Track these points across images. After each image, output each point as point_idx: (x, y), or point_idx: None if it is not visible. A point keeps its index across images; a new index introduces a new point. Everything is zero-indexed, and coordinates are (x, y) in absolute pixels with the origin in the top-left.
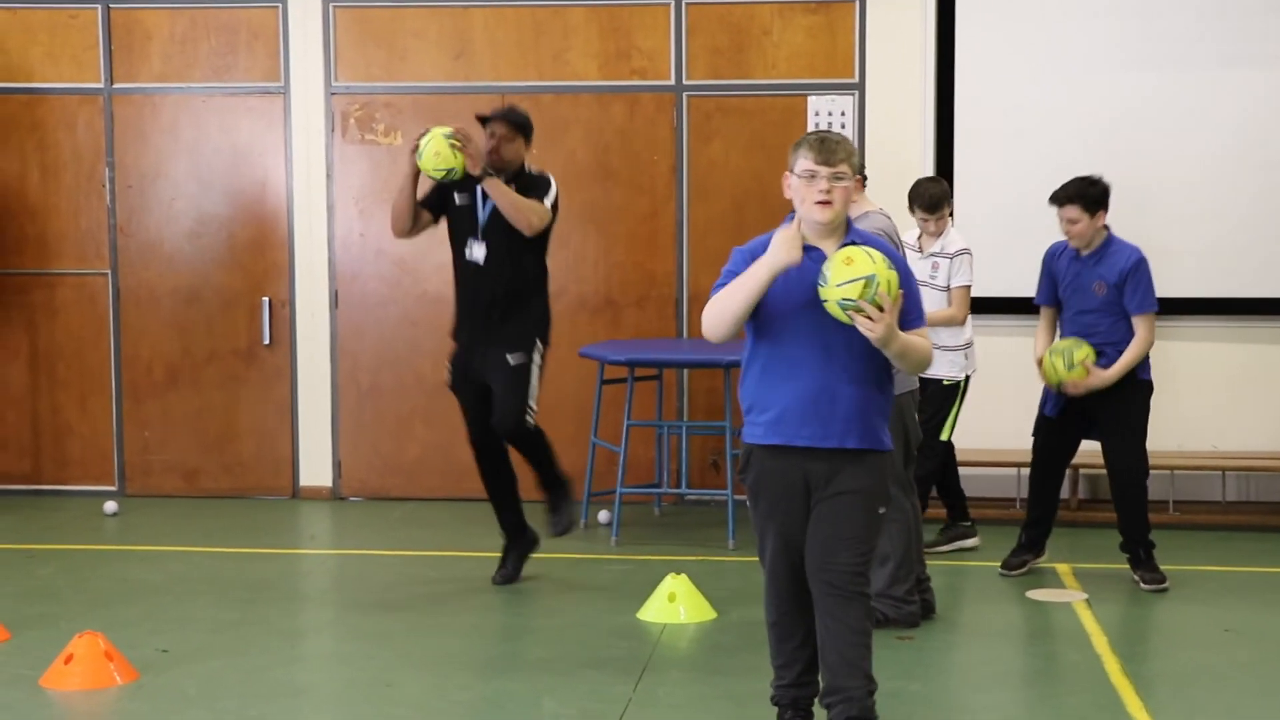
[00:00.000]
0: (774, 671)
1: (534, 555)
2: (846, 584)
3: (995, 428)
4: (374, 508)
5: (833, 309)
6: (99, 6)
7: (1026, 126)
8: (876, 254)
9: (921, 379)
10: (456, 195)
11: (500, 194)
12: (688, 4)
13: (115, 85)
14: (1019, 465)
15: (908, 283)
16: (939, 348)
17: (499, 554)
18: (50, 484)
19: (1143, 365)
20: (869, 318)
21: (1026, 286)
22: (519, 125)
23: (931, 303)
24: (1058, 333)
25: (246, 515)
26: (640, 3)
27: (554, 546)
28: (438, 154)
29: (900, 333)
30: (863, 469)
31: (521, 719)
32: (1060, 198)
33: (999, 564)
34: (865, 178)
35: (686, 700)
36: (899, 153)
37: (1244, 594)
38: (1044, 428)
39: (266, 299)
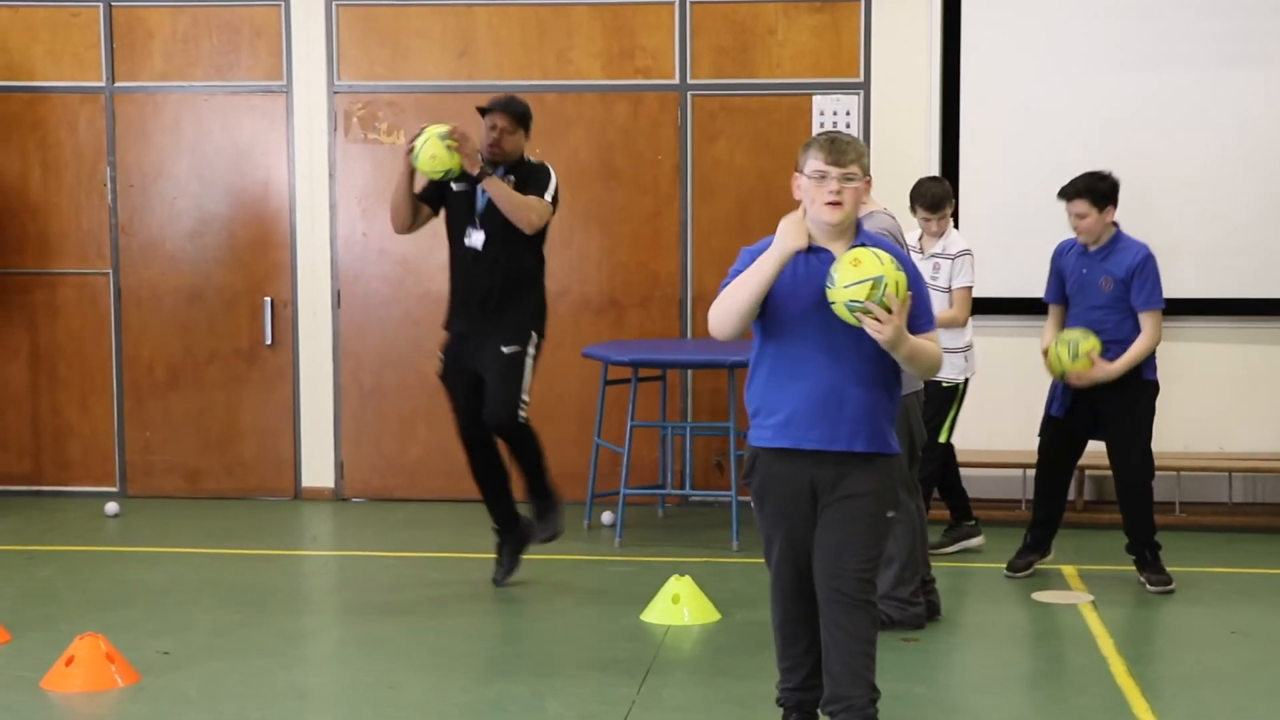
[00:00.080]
0: (779, 673)
1: (536, 556)
2: (853, 591)
3: (999, 428)
4: (376, 509)
5: (840, 311)
6: (100, 5)
7: (1031, 126)
8: (885, 255)
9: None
10: (454, 183)
11: (500, 193)
12: (692, 3)
13: (117, 84)
14: (1024, 466)
15: (917, 285)
16: None
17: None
18: (51, 485)
19: (1148, 365)
20: (877, 320)
21: (1031, 286)
22: (519, 117)
23: (932, 304)
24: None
25: (248, 516)
26: (644, 1)
27: (556, 548)
28: (434, 156)
29: (909, 335)
30: (870, 472)
31: None
32: (1069, 192)
33: (1004, 565)
34: (869, 178)
35: (690, 702)
36: (904, 152)
37: (1250, 595)
38: (1050, 428)
39: (268, 299)
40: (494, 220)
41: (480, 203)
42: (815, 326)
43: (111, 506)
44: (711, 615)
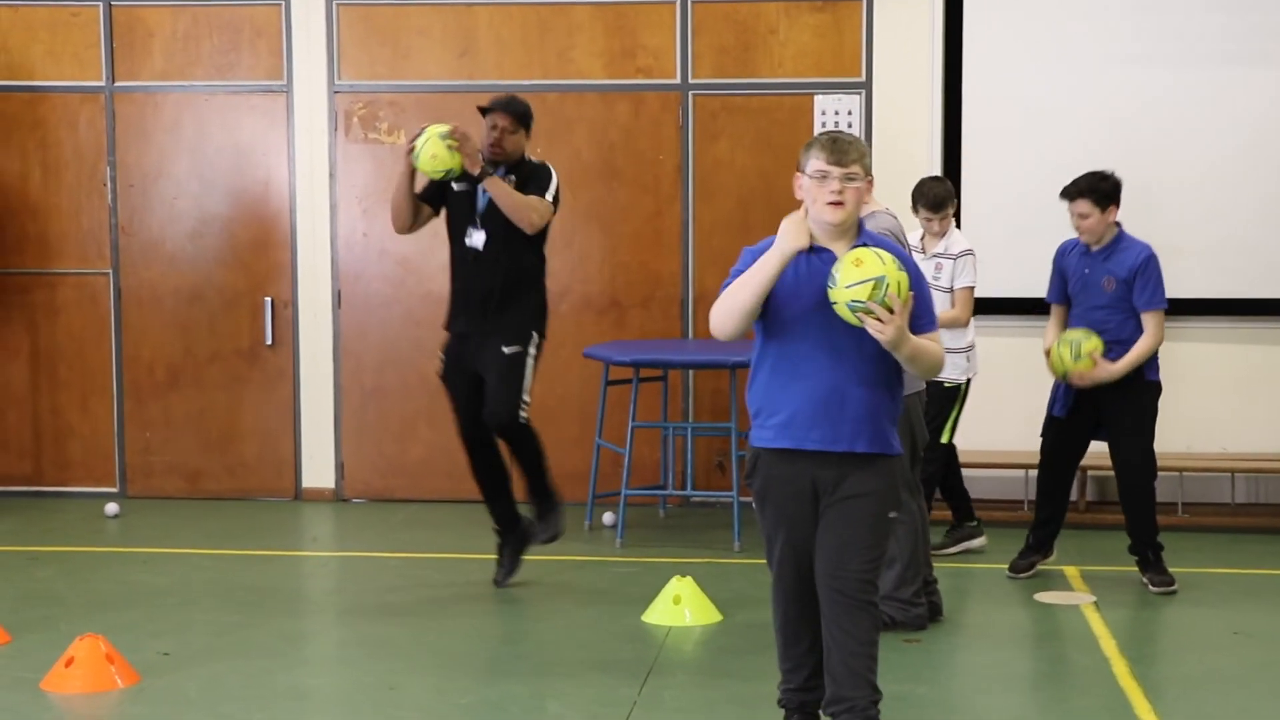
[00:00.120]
0: (781, 674)
1: (538, 557)
2: (855, 592)
3: (1001, 429)
4: (377, 509)
5: (842, 311)
6: (100, 4)
7: (1033, 125)
8: (886, 255)
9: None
10: (454, 183)
11: (501, 193)
12: (693, 2)
13: (117, 83)
14: (1026, 467)
15: (919, 286)
16: None
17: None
18: (51, 485)
19: (1151, 366)
20: (879, 320)
21: (1033, 286)
22: (521, 117)
23: (935, 304)
24: None
25: (249, 517)
26: (645, 1)
27: (558, 549)
28: (434, 156)
29: (911, 336)
30: (872, 473)
31: None
32: (1071, 192)
33: (1006, 566)
34: (871, 178)
35: (692, 703)
36: (906, 152)
37: (1253, 596)
38: (1052, 428)
39: (269, 299)
40: (495, 220)
41: (481, 202)
42: (817, 327)
43: (112, 507)
44: (713, 616)
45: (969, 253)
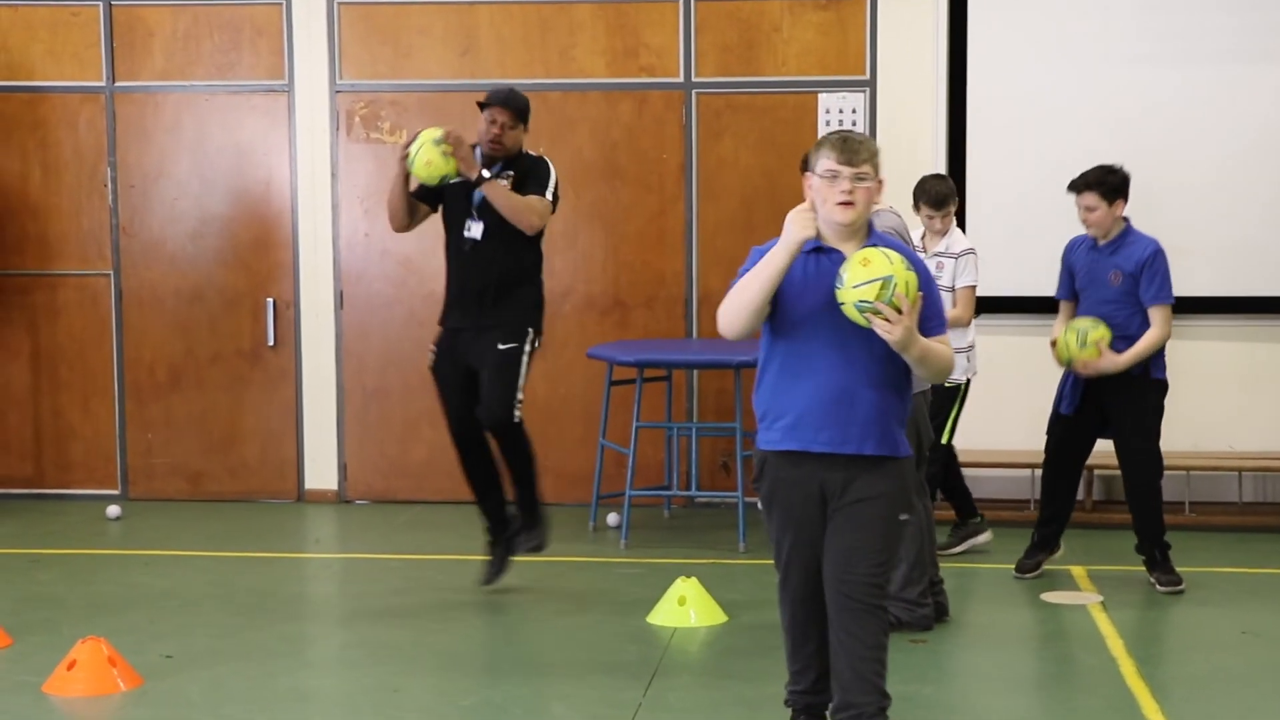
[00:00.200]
0: (789, 675)
1: (540, 558)
2: (864, 596)
3: (1005, 428)
4: (380, 511)
5: (850, 311)
6: (100, 4)
7: (1038, 123)
8: (895, 255)
9: None
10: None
11: (499, 197)
12: (696, 0)
13: (117, 83)
14: (1031, 466)
15: (928, 287)
16: None
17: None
18: (52, 488)
19: (1157, 364)
20: (886, 320)
21: (1037, 285)
22: (520, 112)
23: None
24: None
25: (251, 519)
26: None
27: (561, 550)
28: (429, 163)
29: (920, 337)
30: (881, 475)
31: None
32: (1078, 185)
33: (1012, 566)
34: (882, 179)
35: (697, 705)
36: (910, 150)
37: (1261, 595)
38: (1058, 425)
39: (271, 299)
40: (493, 211)
41: (478, 194)
42: (825, 327)
43: (113, 509)
44: (718, 617)
45: (970, 251)
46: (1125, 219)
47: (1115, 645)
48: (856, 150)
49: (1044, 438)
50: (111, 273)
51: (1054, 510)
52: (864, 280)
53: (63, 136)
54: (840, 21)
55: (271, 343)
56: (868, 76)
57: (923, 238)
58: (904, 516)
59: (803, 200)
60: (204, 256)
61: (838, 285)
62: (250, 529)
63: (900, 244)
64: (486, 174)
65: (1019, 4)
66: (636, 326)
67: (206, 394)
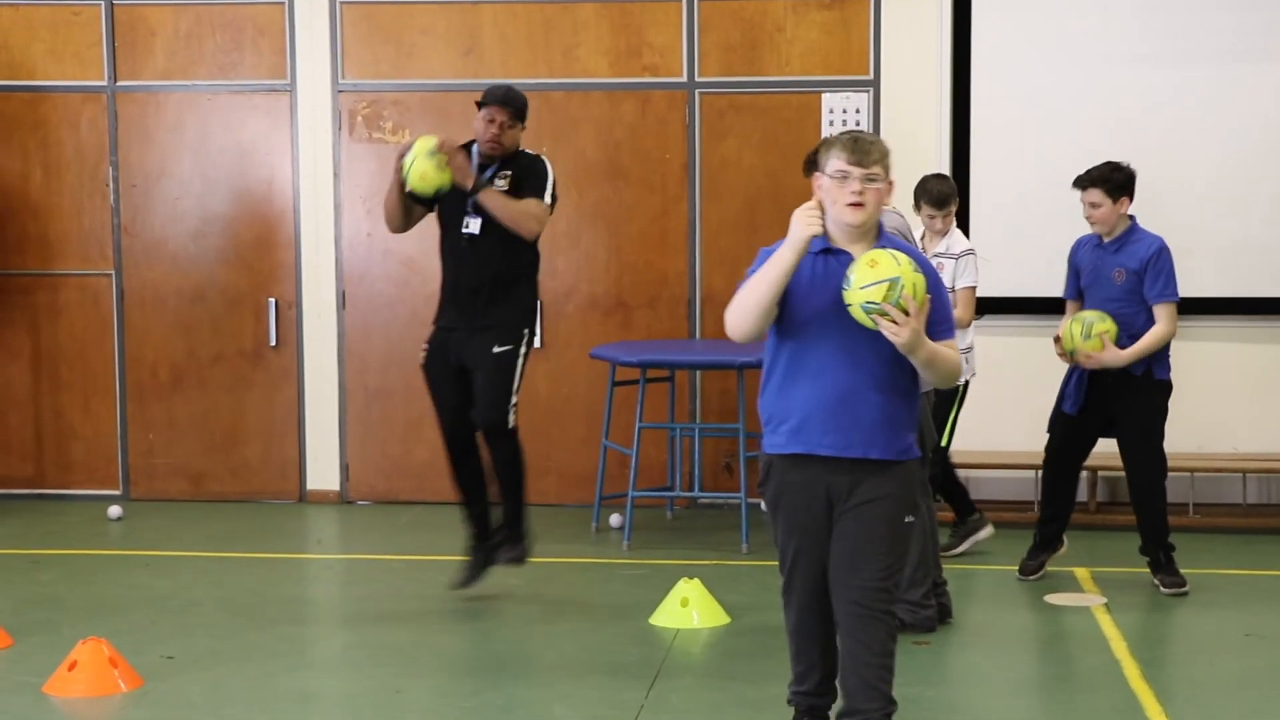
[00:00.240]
0: (793, 675)
1: (543, 559)
2: (871, 601)
3: (1007, 430)
4: (382, 511)
5: (856, 313)
6: (102, 3)
7: (1043, 123)
8: (903, 257)
9: None
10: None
11: (496, 205)
12: (700, 0)
13: (119, 83)
14: (1034, 467)
15: (937, 290)
16: None
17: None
18: (53, 488)
19: (1161, 365)
20: (893, 322)
21: (1041, 285)
22: (519, 111)
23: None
24: None
25: (253, 519)
26: None
27: (564, 551)
28: (423, 175)
29: (927, 340)
30: (887, 477)
31: None
32: (1084, 181)
33: (1016, 568)
34: (892, 180)
35: (699, 706)
36: (914, 151)
37: (1266, 598)
38: (1060, 424)
39: (273, 299)
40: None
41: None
42: (832, 329)
43: (114, 510)
44: (721, 619)
45: (970, 252)
46: (1131, 217)
47: (1119, 647)
48: (868, 151)
49: (1045, 437)
50: (113, 272)
51: (1055, 509)
52: (871, 281)
53: (64, 136)
54: (844, 21)
55: (273, 343)
56: (871, 76)
57: (922, 238)
58: (909, 518)
59: (806, 199)
60: (206, 256)
61: (845, 286)
62: (252, 529)
63: (910, 246)
64: (483, 180)
65: (1022, 4)
66: (639, 327)
67: (208, 394)
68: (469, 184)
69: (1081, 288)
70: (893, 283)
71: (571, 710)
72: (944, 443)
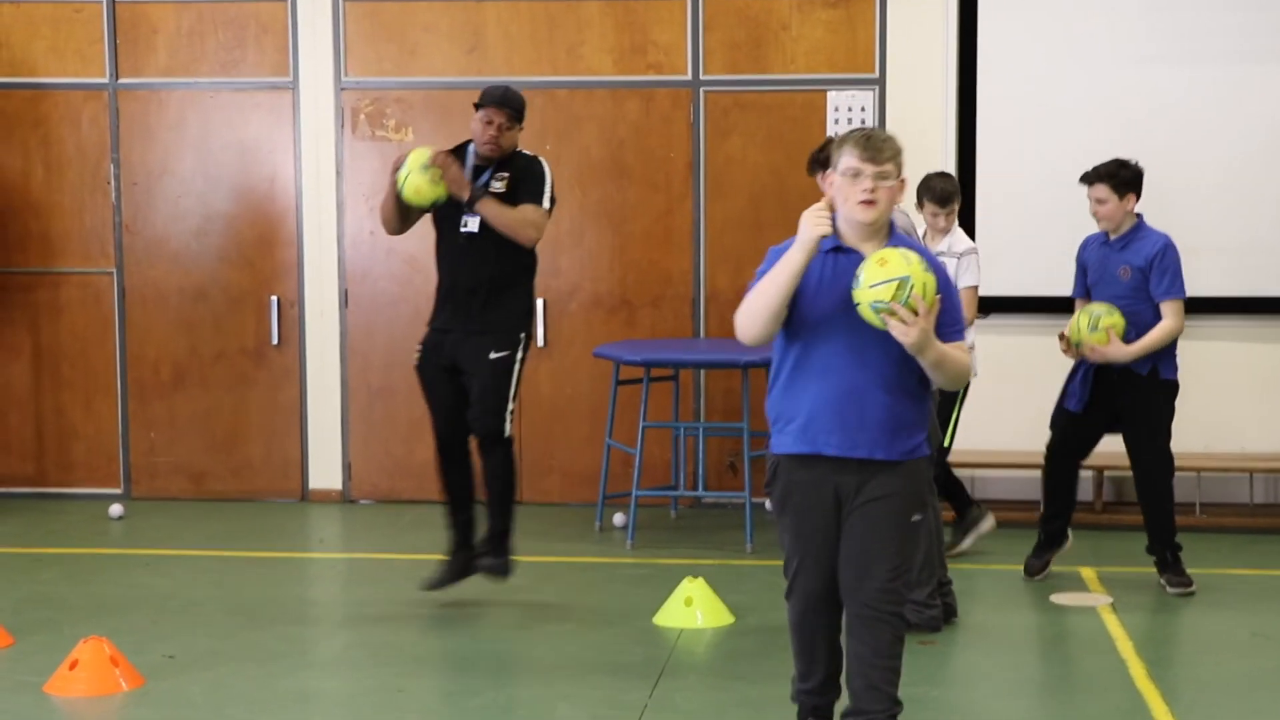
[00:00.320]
0: (796, 672)
1: (546, 558)
2: (880, 603)
3: (1012, 429)
4: (384, 511)
5: (865, 312)
6: (104, 0)
7: (1049, 122)
8: (913, 256)
9: None
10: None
11: (493, 215)
12: None
13: (121, 80)
14: (1039, 467)
15: (947, 291)
16: None
17: (510, 558)
18: (54, 487)
19: (1168, 365)
20: (902, 321)
21: (1049, 284)
22: (517, 112)
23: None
24: None
25: (254, 518)
26: None
27: (568, 550)
28: (418, 190)
29: (937, 341)
30: (895, 475)
31: None
32: (1090, 177)
33: (1021, 567)
34: (904, 178)
35: (703, 706)
36: (920, 149)
37: (1272, 598)
38: (1063, 421)
39: (275, 298)
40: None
41: (476, 184)
42: (841, 329)
43: (116, 509)
44: (725, 618)
45: (973, 251)
46: (1138, 215)
47: (1125, 648)
48: (880, 148)
49: (1048, 436)
50: (114, 271)
51: (1057, 506)
52: (880, 280)
53: (65, 134)
54: (849, 19)
55: (275, 341)
56: (877, 74)
57: (924, 236)
58: (917, 517)
59: (811, 198)
60: (208, 254)
61: (854, 285)
62: (253, 529)
63: (921, 245)
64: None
65: (1029, 2)
66: (643, 326)
67: (210, 393)
68: (464, 195)
69: (1089, 286)
70: (902, 282)
71: (574, 710)
72: (946, 443)
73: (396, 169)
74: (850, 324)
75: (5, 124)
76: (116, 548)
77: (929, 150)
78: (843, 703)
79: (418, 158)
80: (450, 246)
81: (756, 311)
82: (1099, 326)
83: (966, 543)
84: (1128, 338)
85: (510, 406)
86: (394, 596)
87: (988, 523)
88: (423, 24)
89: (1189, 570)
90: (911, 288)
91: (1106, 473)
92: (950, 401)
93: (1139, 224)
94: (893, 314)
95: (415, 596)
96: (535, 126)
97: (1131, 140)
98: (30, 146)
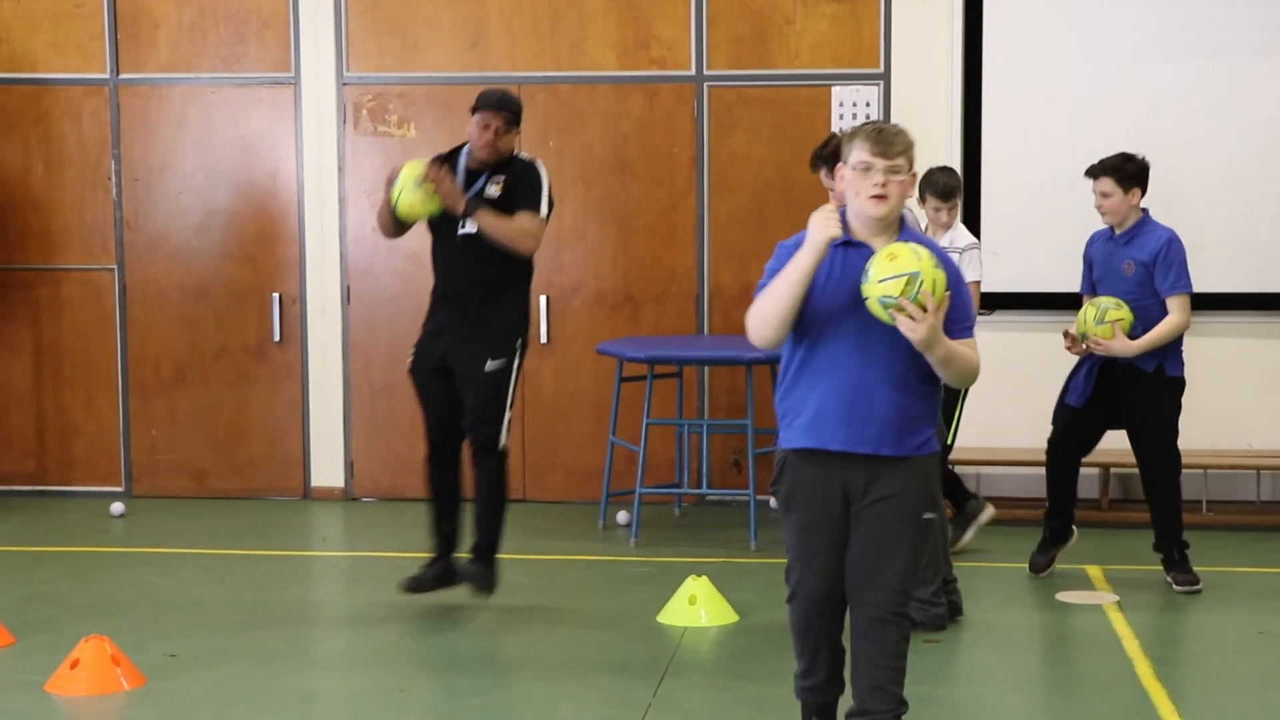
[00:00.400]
0: (798, 668)
1: (549, 557)
2: (888, 604)
3: (1016, 426)
4: (387, 508)
5: (874, 307)
6: None
7: (1055, 118)
8: (924, 251)
9: None
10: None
11: (489, 227)
12: None
13: (121, 76)
14: (1043, 464)
15: (957, 288)
16: None
17: (513, 556)
18: (55, 485)
19: (1174, 362)
20: (911, 317)
21: (1052, 280)
22: (515, 116)
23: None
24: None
25: (256, 516)
26: None
27: (571, 548)
28: (412, 207)
29: (945, 338)
30: (904, 472)
31: None
32: (1095, 170)
33: (1026, 565)
34: (915, 172)
35: (707, 705)
36: (925, 145)
37: (1279, 596)
38: (1065, 416)
39: (277, 294)
40: (487, 204)
41: (472, 191)
42: (850, 325)
43: (117, 507)
44: (729, 617)
45: (975, 246)
46: (1144, 210)
47: (1131, 646)
48: (891, 142)
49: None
50: (115, 267)
51: (1060, 502)
52: (890, 275)
53: (66, 129)
54: (854, 13)
55: (277, 338)
56: (881, 69)
57: (925, 231)
58: (929, 514)
59: (816, 194)
60: (209, 251)
61: (863, 280)
62: (255, 527)
63: (931, 241)
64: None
65: None
66: (647, 322)
67: (211, 390)
68: (459, 208)
69: (1094, 282)
70: (912, 277)
71: (578, 709)
72: (949, 440)
73: (390, 182)
74: (859, 319)
75: (6, 120)
76: (118, 546)
77: (933, 145)
78: (846, 700)
79: (411, 172)
80: (447, 248)
81: (768, 314)
82: (1105, 320)
83: (968, 536)
84: (1134, 333)
85: (508, 415)
86: (396, 595)
87: (987, 513)
88: (425, 19)
89: (1196, 568)
90: (921, 284)
91: (1113, 470)
92: (953, 398)
93: (1144, 218)
94: (901, 310)
95: (418, 595)
96: (538, 122)
97: (1137, 135)
98: (31, 142)
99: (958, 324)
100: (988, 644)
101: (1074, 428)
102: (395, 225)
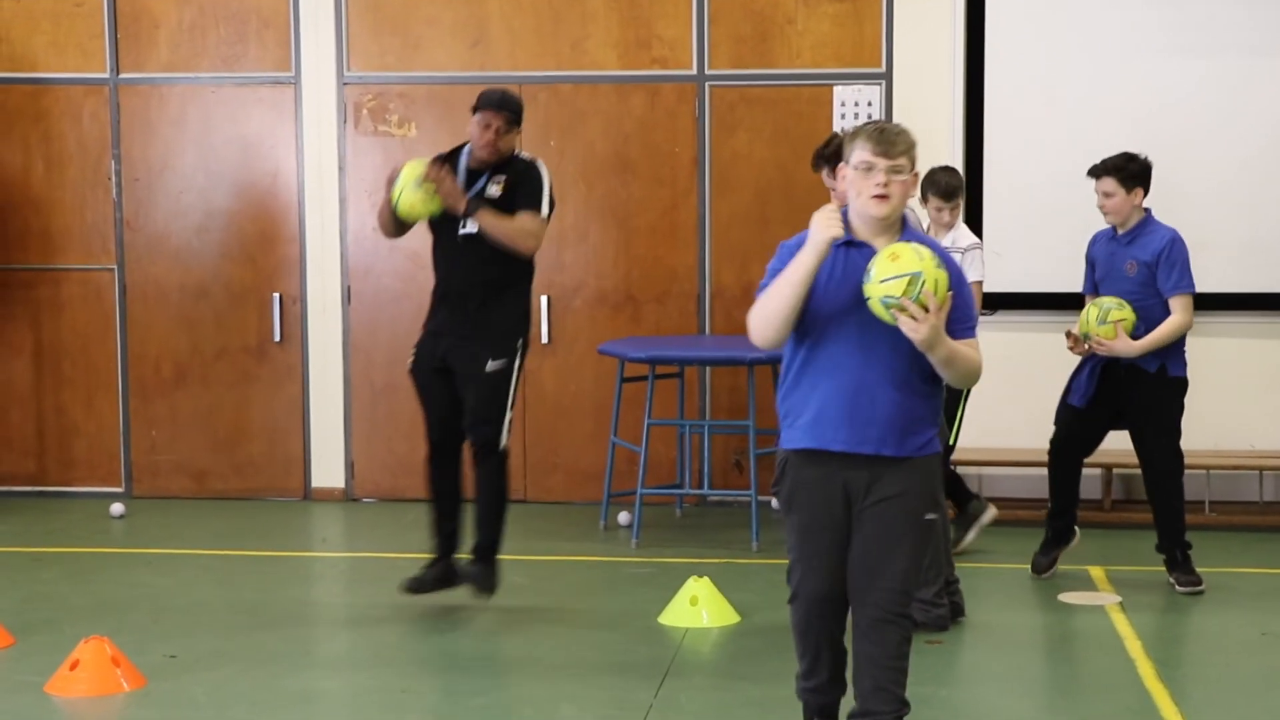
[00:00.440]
0: (799, 668)
1: (551, 556)
2: (890, 605)
3: (1019, 426)
4: (388, 509)
5: (875, 307)
6: None
7: (1058, 117)
8: (925, 251)
9: None
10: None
11: (490, 227)
12: None
13: (122, 75)
14: (1045, 465)
15: (959, 288)
16: None
17: (514, 557)
18: (55, 485)
19: (1176, 362)
20: (913, 317)
21: (1055, 280)
22: (516, 115)
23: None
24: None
25: (257, 517)
26: None
27: (572, 549)
28: (413, 207)
29: (947, 339)
30: (906, 472)
31: None
32: (1097, 170)
33: (1028, 565)
34: (917, 172)
35: (708, 706)
36: (927, 145)
37: None
38: (1067, 417)
39: (277, 295)
40: (488, 204)
41: (473, 191)
42: (851, 324)
43: (117, 507)
44: (730, 617)
45: (977, 246)
46: (1146, 209)
47: (1133, 647)
48: (894, 142)
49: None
50: (115, 267)
51: (1062, 503)
52: (891, 275)
53: (66, 129)
54: (855, 13)
55: (278, 338)
56: (883, 69)
57: (927, 230)
58: (931, 515)
59: (817, 193)
60: (209, 251)
61: (865, 279)
62: (256, 527)
63: (933, 241)
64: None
65: None
66: (648, 322)
67: (212, 390)
68: (460, 208)
69: (1096, 281)
70: (914, 278)
71: (579, 710)
72: (951, 441)
73: (391, 182)
74: (861, 319)
75: (6, 119)
76: (118, 547)
77: (936, 145)
78: (848, 701)
79: (411, 172)
80: (447, 248)
81: (770, 315)
82: (1108, 319)
83: (970, 536)
84: (1136, 333)
85: (509, 416)
86: (397, 596)
87: (989, 514)
88: (425, 18)
89: (1198, 569)
90: (923, 284)
91: (1115, 470)
92: (955, 399)
93: (1147, 218)
94: (903, 310)
95: (419, 596)
96: (539, 121)
97: (1140, 135)
98: (31, 142)
99: (960, 324)
100: (990, 645)
101: (1076, 428)
102: (396, 225)
